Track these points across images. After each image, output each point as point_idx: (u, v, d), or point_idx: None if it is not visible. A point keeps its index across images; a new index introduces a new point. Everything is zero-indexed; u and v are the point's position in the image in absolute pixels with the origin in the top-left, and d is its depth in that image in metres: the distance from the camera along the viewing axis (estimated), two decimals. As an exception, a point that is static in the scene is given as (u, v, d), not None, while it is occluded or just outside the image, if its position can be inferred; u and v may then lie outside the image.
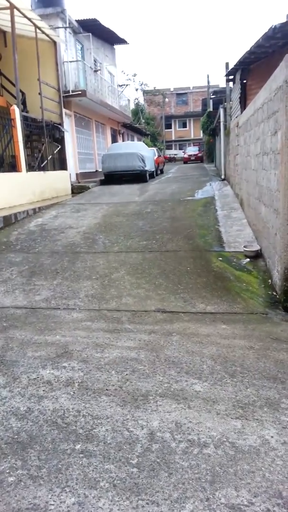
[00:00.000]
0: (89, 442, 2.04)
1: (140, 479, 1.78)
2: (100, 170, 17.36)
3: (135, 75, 50.10)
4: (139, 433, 2.09)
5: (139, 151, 15.64)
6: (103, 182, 15.89)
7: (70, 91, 14.60)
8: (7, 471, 1.86)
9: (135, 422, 2.18)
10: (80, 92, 14.86)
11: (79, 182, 15.17)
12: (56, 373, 2.72)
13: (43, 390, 2.52)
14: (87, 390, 2.51)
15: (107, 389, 2.50)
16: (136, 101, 43.59)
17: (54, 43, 12.69)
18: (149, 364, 2.79)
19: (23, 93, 11.47)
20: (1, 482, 1.79)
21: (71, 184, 13.50)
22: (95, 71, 19.00)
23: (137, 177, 15.56)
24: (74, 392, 2.49)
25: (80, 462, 1.90)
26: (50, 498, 1.70)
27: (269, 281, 4.32)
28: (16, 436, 2.10)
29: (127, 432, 2.10)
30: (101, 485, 1.76)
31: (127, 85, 30.23)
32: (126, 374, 2.67)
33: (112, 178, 15.68)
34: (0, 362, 2.89)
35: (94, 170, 18.59)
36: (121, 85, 27.25)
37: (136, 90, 45.68)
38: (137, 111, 40.40)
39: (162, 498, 1.68)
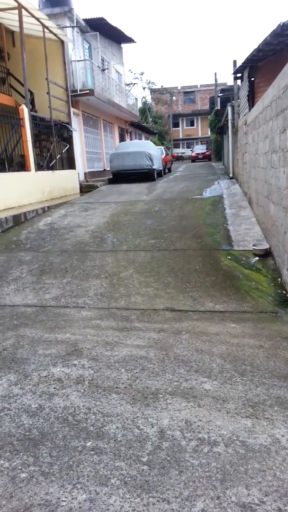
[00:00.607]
0: (100, 440, 2.05)
1: (150, 476, 1.79)
2: (108, 169, 17.39)
3: (142, 73, 49.95)
4: (149, 431, 2.09)
5: (147, 150, 15.63)
6: (111, 181, 15.91)
7: (78, 90, 14.64)
8: (19, 467, 1.88)
9: (145, 420, 2.19)
10: (88, 91, 14.89)
11: (87, 181, 15.22)
12: (67, 370, 2.74)
13: (54, 388, 2.54)
14: (97, 388, 2.52)
15: (117, 387, 2.51)
16: (144, 99, 43.53)
17: (62, 42, 12.73)
18: (158, 363, 2.80)
19: (31, 93, 11.53)
20: (13, 478, 1.81)
21: (80, 183, 13.55)
22: (103, 70, 19.02)
23: (145, 175, 15.56)
24: (84, 390, 2.50)
25: (91, 459, 1.91)
26: (62, 495, 1.71)
27: (279, 279, 4.30)
28: (28, 433, 2.12)
29: (137, 430, 2.11)
30: (112, 482, 1.77)
31: (134, 83, 30.27)
32: (136, 372, 2.68)
33: (120, 177, 15.69)
34: (12, 360, 2.91)
35: (102, 169, 18.63)
36: (129, 84, 27.27)
37: (144, 88, 45.65)
38: (145, 110, 40.36)
39: (173, 495, 1.68)
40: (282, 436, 2.00)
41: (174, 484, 1.74)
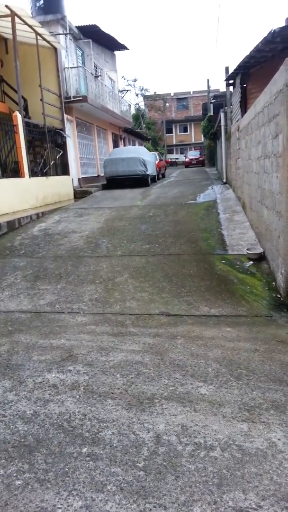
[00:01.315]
0: (96, 446, 2.03)
1: (147, 482, 1.78)
2: (102, 174, 17.42)
3: (135, 80, 50.19)
4: (145, 436, 2.08)
5: (141, 156, 15.68)
6: (105, 187, 15.93)
7: (71, 97, 14.69)
8: (14, 474, 1.86)
9: (141, 425, 2.17)
10: (81, 98, 14.94)
11: (81, 187, 15.22)
12: (62, 376, 2.72)
13: (49, 394, 2.52)
14: (93, 393, 2.50)
15: (112, 393, 2.50)
16: (137, 106, 43.79)
17: (55, 49, 12.77)
18: (154, 367, 2.79)
19: (25, 99, 11.54)
20: (8, 485, 1.79)
21: (74, 189, 13.55)
22: (96, 77, 19.10)
23: (139, 181, 15.60)
24: (79, 396, 2.48)
25: (87, 466, 1.89)
26: (58, 502, 1.69)
27: (273, 283, 4.31)
28: (23, 440, 2.10)
29: (133, 436, 2.09)
30: (108, 488, 1.75)
31: (127, 90, 30.41)
32: (131, 378, 2.67)
33: (114, 182, 15.72)
34: (6, 366, 2.89)
35: (96, 175, 18.65)
36: (122, 91, 27.39)
37: (137, 95, 45.95)
38: (138, 116, 40.55)
39: (170, 501, 1.67)
40: (279, 439, 2.00)
41: (171, 489, 1.73)
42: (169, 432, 2.10)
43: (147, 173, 15.59)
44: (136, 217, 8.36)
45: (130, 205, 10.21)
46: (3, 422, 2.25)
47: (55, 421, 2.24)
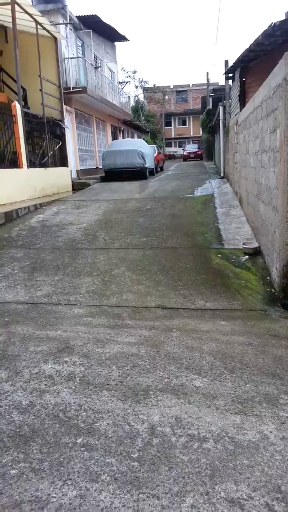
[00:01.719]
0: (91, 436, 2.04)
1: (141, 472, 1.79)
2: (100, 167, 17.32)
3: (135, 72, 49.59)
4: (140, 428, 2.10)
5: (139, 148, 15.60)
6: (103, 179, 15.85)
7: (71, 88, 14.55)
8: (10, 464, 1.87)
9: (136, 416, 2.19)
10: (80, 89, 14.80)
11: (79, 179, 15.15)
12: (58, 367, 2.73)
13: (45, 385, 2.53)
14: (89, 384, 2.51)
15: (108, 384, 2.51)
16: (136, 98, 43.39)
17: (55, 39, 12.62)
18: (149, 360, 2.80)
19: (24, 89, 11.41)
20: (3, 474, 1.80)
21: (72, 181, 13.47)
22: (96, 68, 18.93)
23: (137, 174, 15.53)
24: (75, 387, 2.49)
25: (82, 456, 1.91)
26: (52, 491, 1.70)
27: (268, 278, 4.33)
28: (19, 430, 2.11)
29: (128, 427, 2.11)
30: (103, 478, 1.77)
31: (127, 82, 30.17)
32: (127, 369, 2.68)
33: (113, 174, 15.64)
34: (2, 357, 2.89)
35: (95, 167, 18.56)
36: (121, 82, 27.15)
37: (136, 87, 45.53)
38: (137, 108, 40.23)
39: (163, 491, 1.69)
40: (270, 432, 2.02)
41: (164, 480, 1.75)
42: (163, 424, 2.11)
43: (145, 166, 15.52)
44: (133, 210, 8.34)
45: (128, 198, 10.18)
46: (-1, 412, 2.26)
47: (50, 412, 2.25)
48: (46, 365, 2.77)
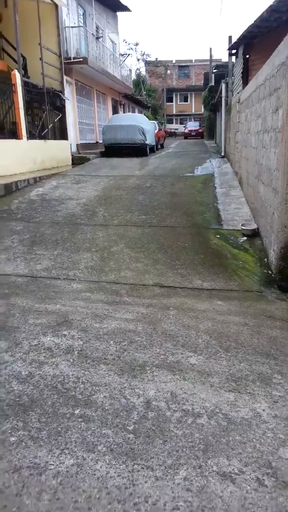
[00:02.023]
0: (88, 408, 2.08)
1: (136, 445, 1.84)
2: (100, 141, 17.04)
3: (137, 44, 48.07)
4: (136, 401, 2.14)
5: (140, 124, 15.32)
6: (103, 154, 15.62)
7: (72, 58, 14.12)
8: (9, 431, 1.91)
9: (132, 390, 2.23)
10: (81, 59, 14.38)
11: (79, 153, 14.92)
12: (57, 340, 2.76)
13: (44, 356, 2.56)
14: (86, 358, 2.54)
15: (105, 358, 2.54)
16: (138, 71, 42.28)
17: (56, 6, 12.14)
18: (146, 336, 2.83)
19: (24, 58, 11.06)
20: (3, 441, 1.84)
21: (72, 155, 13.27)
22: (97, 38, 18.35)
23: (137, 150, 15.29)
24: (73, 360, 2.52)
25: (79, 426, 1.95)
26: (50, 459, 1.75)
27: (265, 259, 4.34)
28: (18, 399, 2.14)
29: (124, 400, 2.15)
30: (99, 449, 1.81)
31: (129, 54, 29.42)
32: (124, 345, 2.71)
33: (113, 150, 15.40)
34: (3, 328, 2.91)
35: (95, 142, 18.26)
36: (123, 54, 26.44)
37: (138, 60, 44.37)
38: (139, 82, 39.29)
39: (157, 463, 1.73)
40: (263, 410, 2.06)
41: (159, 452, 1.80)
42: (158, 398, 2.16)
43: (146, 142, 15.28)
44: (133, 187, 8.26)
45: (128, 175, 10.06)
46: (-2, 381, 2.29)
47: (49, 383, 2.29)
48: (45, 337, 2.79)
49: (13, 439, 1.86)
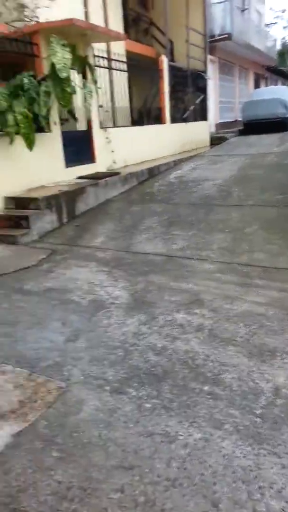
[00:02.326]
0: (216, 386, 2.11)
1: (263, 429, 1.80)
2: (239, 119, 16.29)
3: (283, 11, 43.74)
4: (264, 386, 2.08)
5: (281, 97, 14.07)
6: (241, 132, 14.93)
7: (216, 36, 13.54)
8: (145, 398, 2.06)
9: (261, 375, 2.17)
10: (226, 36, 13.68)
11: (217, 133, 14.57)
12: (188, 318, 2.83)
13: (177, 332, 2.66)
14: (216, 337, 2.56)
15: (234, 340, 2.52)
16: (283, 40, 38.60)
17: (203, -16, 11.67)
18: (277, 321, 2.70)
19: (171, 42, 11.00)
20: (139, 406, 2.00)
21: (210, 135, 13.02)
22: (243, 10, 17.17)
23: (278, 125, 14.15)
24: (203, 338, 2.56)
25: (207, 403, 1.99)
26: (180, 429, 1.83)
27: None
28: (153, 369, 2.29)
29: (252, 383, 2.11)
30: (226, 427, 1.83)
31: (275, 23, 26.96)
32: (254, 328, 2.63)
33: (252, 127, 14.56)
34: (142, 302, 3.11)
35: (233, 120, 17.54)
36: (268, 24, 24.39)
37: (284, 28, 40.34)
38: (284, 52, 35.94)
39: (284, 451, 1.67)
40: None
41: (286, 440, 1.73)
42: (288, 387, 2.06)
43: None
44: (271, 165, 7.75)
45: (266, 152, 9.45)
46: (137, 350, 2.47)
47: (181, 357, 2.38)
48: (178, 314, 2.90)
49: (148, 405, 2.00)
